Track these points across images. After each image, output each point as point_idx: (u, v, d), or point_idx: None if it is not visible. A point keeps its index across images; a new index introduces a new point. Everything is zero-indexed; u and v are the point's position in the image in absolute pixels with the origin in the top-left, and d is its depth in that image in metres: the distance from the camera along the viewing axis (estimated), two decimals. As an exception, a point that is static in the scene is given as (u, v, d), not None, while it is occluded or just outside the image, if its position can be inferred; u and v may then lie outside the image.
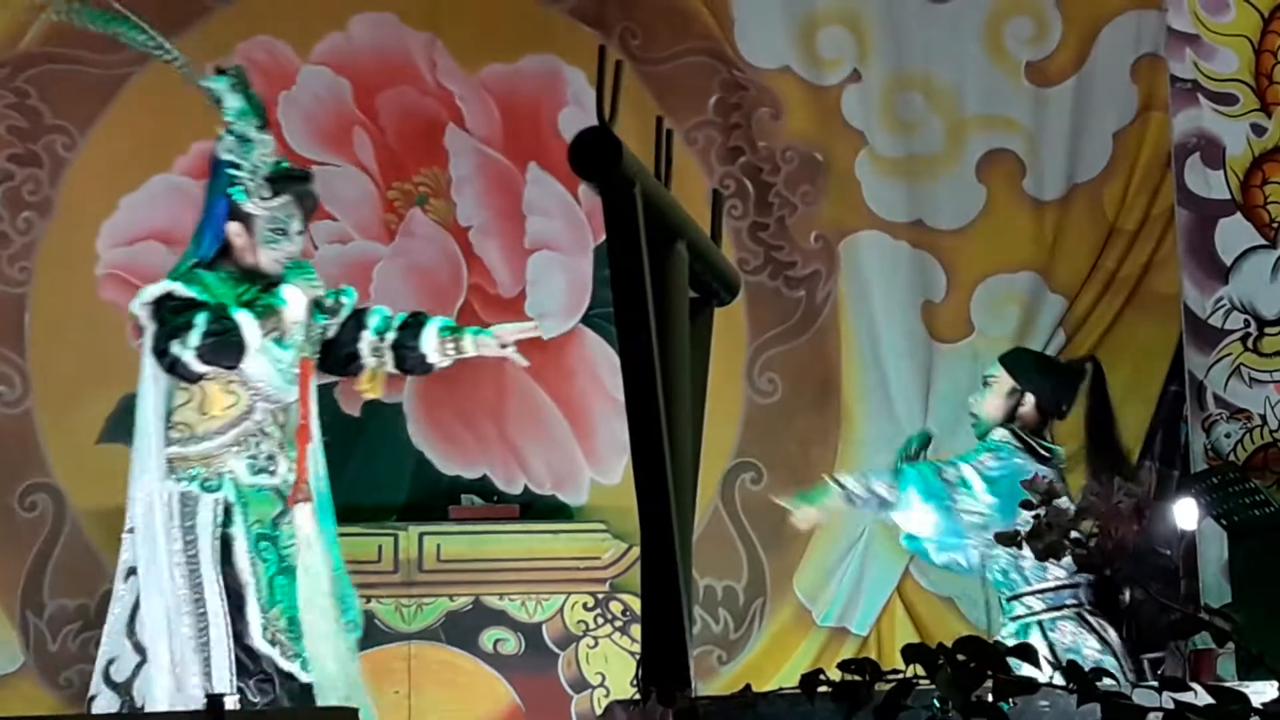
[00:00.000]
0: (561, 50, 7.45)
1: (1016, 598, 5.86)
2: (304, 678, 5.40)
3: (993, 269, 7.47)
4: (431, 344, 5.65)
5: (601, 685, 7.17)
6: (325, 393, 7.24)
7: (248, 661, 5.40)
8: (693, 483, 3.50)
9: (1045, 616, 5.79)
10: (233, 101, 5.56)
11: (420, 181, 7.44)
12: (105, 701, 5.48)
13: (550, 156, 7.35)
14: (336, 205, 7.33)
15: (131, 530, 5.53)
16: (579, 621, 7.20)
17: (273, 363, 5.50)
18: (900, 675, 2.14)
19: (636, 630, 6.84)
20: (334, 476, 7.25)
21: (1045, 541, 2.22)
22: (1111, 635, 5.70)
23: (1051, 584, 5.81)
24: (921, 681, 2.14)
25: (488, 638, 7.15)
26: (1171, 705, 2.10)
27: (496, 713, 7.15)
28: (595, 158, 3.14)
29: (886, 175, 7.49)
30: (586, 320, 7.42)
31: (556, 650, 7.19)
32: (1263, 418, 7.13)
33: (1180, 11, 7.25)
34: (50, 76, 7.35)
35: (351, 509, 7.23)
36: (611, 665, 7.17)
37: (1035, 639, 5.64)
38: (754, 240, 7.47)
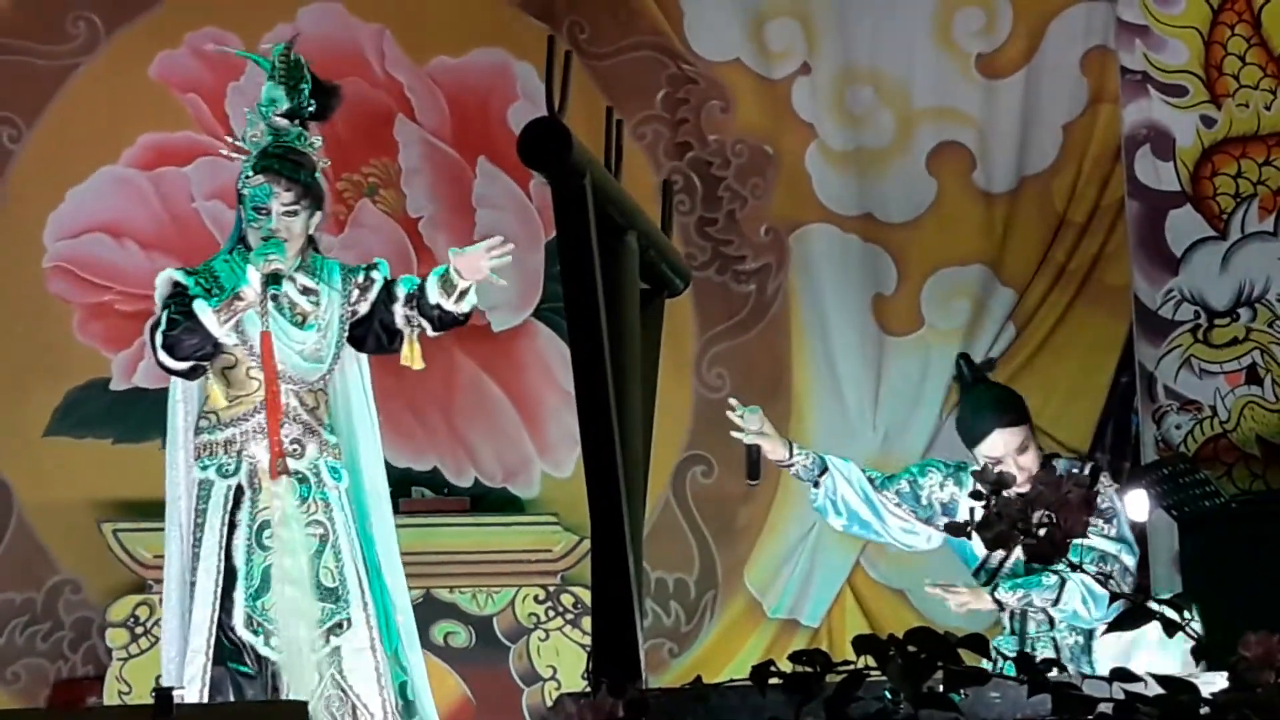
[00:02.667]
0: (510, 44, 7.43)
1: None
2: (285, 664, 5.38)
3: (943, 262, 7.47)
4: (435, 293, 5.56)
5: (553, 678, 7.16)
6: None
7: (231, 648, 5.39)
8: (643, 475, 3.50)
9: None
10: (271, 93, 5.59)
11: (370, 172, 7.42)
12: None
13: (500, 150, 7.33)
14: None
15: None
16: (530, 614, 7.19)
17: (290, 345, 5.48)
18: (851, 666, 2.13)
19: (588, 623, 6.83)
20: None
21: (994, 531, 2.21)
22: None
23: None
24: (873, 673, 2.14)
25: (438, 631, 7.14)
26: (1122, 696, 2.10)
27: (447, 706, 7.12)
28: (545, 147, 3.12)
29: (836, 168, 7.49)
30: (537, 314, 7.41)
31: (507, 643, 7.18)
32: (1213, 409, 7.16)
33: (1130, 3, 7.27)
34: (-4, 68, 7.30)
35: (301, 502, 7.23)
36: (563, 658, 7.16)
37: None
38: (701, 235, 7.47)
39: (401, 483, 7.26)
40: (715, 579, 7.37)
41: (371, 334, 5.64)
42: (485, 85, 7.46)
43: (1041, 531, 2.19)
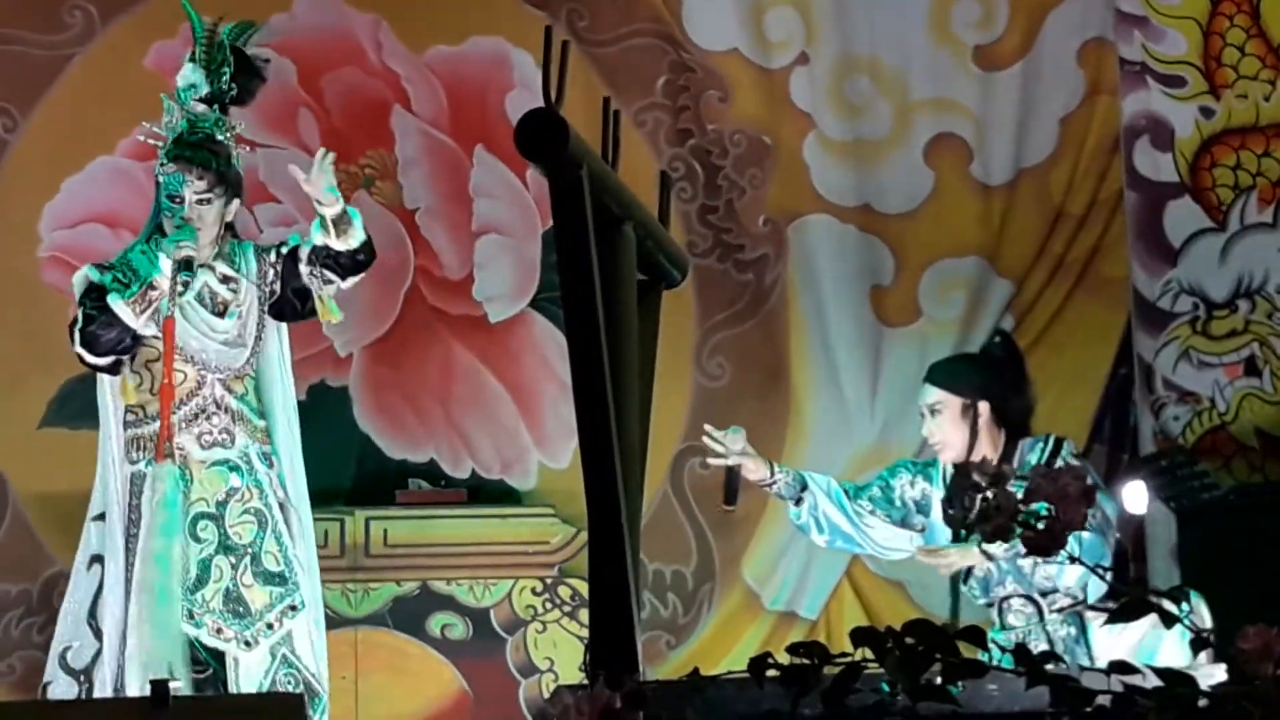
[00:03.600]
0: (508, 33, 7.42)
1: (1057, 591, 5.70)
2: (239, 654, 5.36)
3: (940, 253, 7.46)
4: (319, 235, 5.50)
5: (550, 670, 7.15)
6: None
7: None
8: (641, 467, 3.49)
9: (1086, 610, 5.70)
10: (191, 78, 5.56)
11: (366, 163, 7.41)
12: (61, 688, 5.46)
13: (497, 140, 7.32)
14: (281, 188, 7.29)
15: (100, 517, 5.51)
16: (527, 606, 7.18)
17: (212, 334, 5.46)
18: (849, 659, 2.13)
19: (585, 615, 6.82)
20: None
21: (993, 524, 2.20)
22: None
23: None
24: (870, 665, 2.13)
25: (435, 623, 7.13)
26: (1120, 688, 2.09)
27: (444, 698, 7.13)
28: (541, 139, 3.11)
29: (834, 159, 7.48)
30: (534, 304, 7.40)
31: (504, 635, 7.17)
32: (1211, 401, 7.16)
33: (1128, -6, 7.27)
34: (-11, 57, 7.29)
35: (297, 493, 7.22)
36: (560, 650, 7.15)
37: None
38: (703, 223, 7.46)
39: (398, 474, 7.27)
40: (713, 571, 7.37)
41: (286, 303, 5.59)
42: (483, 74, 7.45)
43: (1040, 524, 2.18)
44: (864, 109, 7.50)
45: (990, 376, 5.80)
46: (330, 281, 5.54)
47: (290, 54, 7.35)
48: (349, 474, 7.29)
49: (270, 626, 5.39)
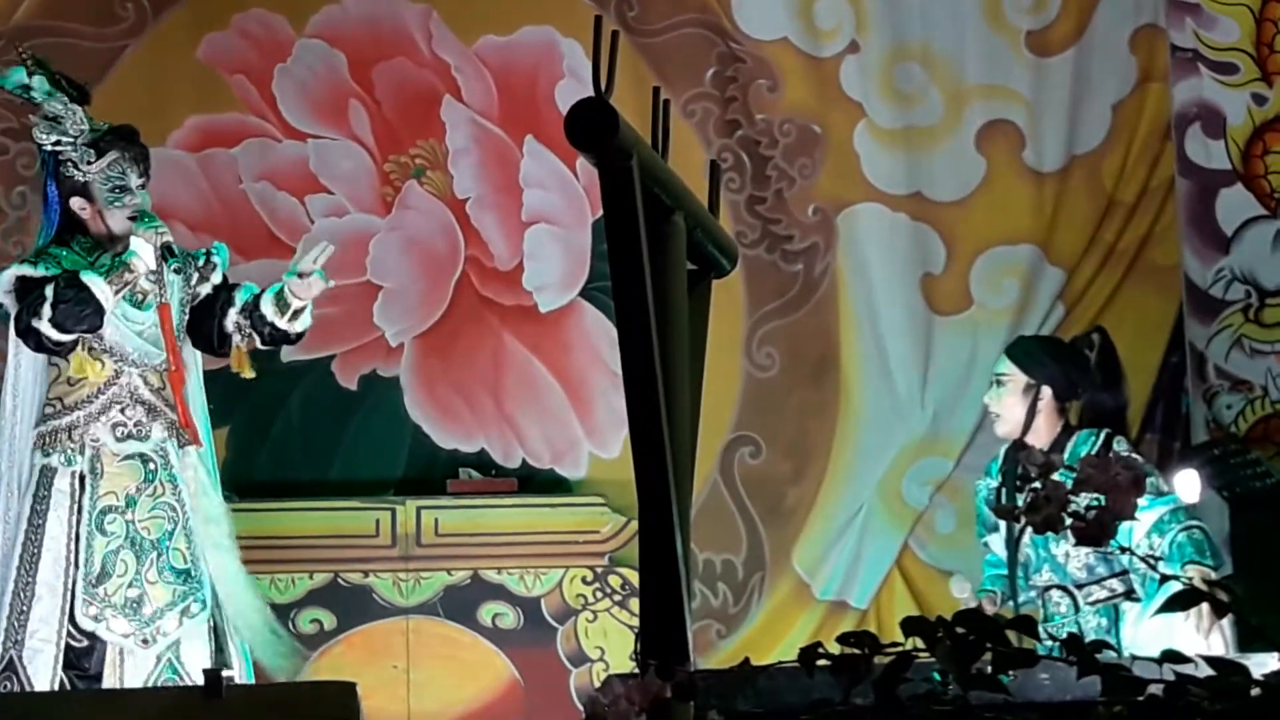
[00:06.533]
0: (557, 22, 7.42)
1: (1096, 582, 5.71)
2: (132, 650, 5.35)
3: (992, 241, 7.44)
4: (271, 310, 5.53)
5: (600, 659, 7.16)
6: (322, 366, 7.26)
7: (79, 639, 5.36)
8: (691, 456, 3.49)
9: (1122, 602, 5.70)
10: (40, 85, 5.57)
11: (417, 154, 7.42)
12: None
13: (547, 129, 7.33)
14: (333, 178, 7.33)
15: None
16: (578, 595, 7.19)
17: (129, 325, 5.47)
18: (899, 648, 2.12)
19: (635, 604, 6.80)
20: (331, 451, 7.29)
21: (1043, 515, 2.20)
22: None
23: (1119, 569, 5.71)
24: (921, 654, 2.13)
25: (486, 612, 7.15)
26: (1172, 677, 2.09)
27: (495, 687, 7.14)
28: (592, 128, 3.11)
29: (885, 147, 7.46)
30: (584, 293, 7.40)
31: (555, 624, 7.18)
32: (1264, 389, 7.13)
33: (1180, -19, 7.24)
34: (44, 50, 7.29)
35: (348, 483, 7.24)
36: (610, 639, 7.16)
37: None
38: (751, 214, 7.45)
39: (449, 464, 7.28)
40: (763, 560, 7.36)
41: (201, 334, 5.60)
42: (532, 64, 7.45)
43: (1090, 514, 2.17)
44: (915, 96, 7.48)
45: (1066, 367, 5.81)
46: (251, 340, 5.58)
47: (341, 45, 7.39)
48: (400, 464, 7.31)
49: (164, 631, 5.37)
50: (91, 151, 5.54)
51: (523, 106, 7.43)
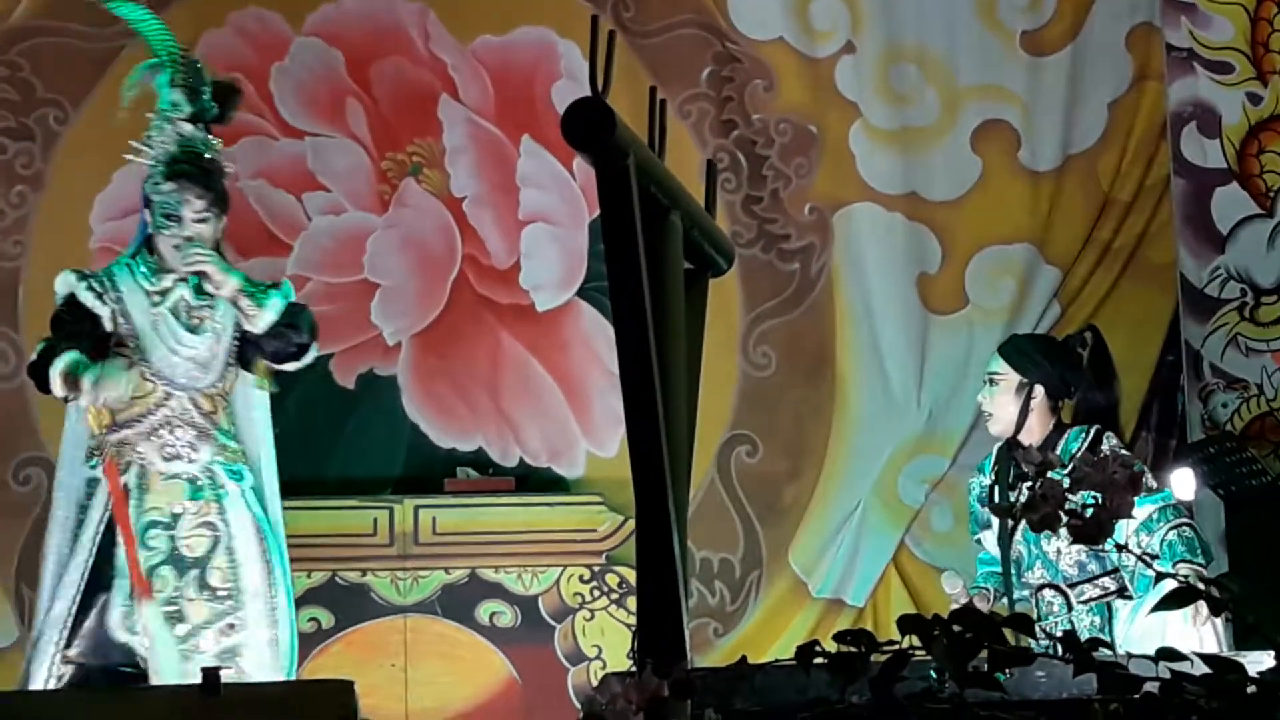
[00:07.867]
0: (554, 22, 7.43)
1: (1088, 580, 5.72)
2: (170, 666, 5.35)
3: (987, 241, 7.45)
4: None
5: (598, 658, 7.17)
6: (320, 365, 7.25)
7: (109, 649, 5.37)
8: (688, 455, 3.49)
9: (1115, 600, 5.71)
10: (172, 97, 5.56)
11: (414, 152, 7.43)
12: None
13: (544, 129, 7.33)
14: (329, 176, 7.33)
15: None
16: (575, 594, 7.20)
17: (181, 349, 5.49)
18: (896, 646, 2.13)
19: (633, 602, 6.84)
20: (328, 449, 7.29)
21: (1040, 513, 2.21)
22: None
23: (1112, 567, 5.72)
24: (917, 652, 2.13)
25: (484, 610, 7.15)
26: (1168, 675, 2.10)
27: (493, 685, 7.15)
28: (588, 128, 3.12)
29: (880, 147, 7.47)
30: (581, 293, 7.41)
31: (553, 623, 7.19)
32: (1259, 387, 7.14)
33: (1175, -21, 7.25)
34: (43, 49, 7.33)
35: (346, 482, 7.24)
36: (608, 637, 7.16)
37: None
38: (747, 213, 7.46)
39: (446, 463, 7.29)
40: (760, 559, 7.37)
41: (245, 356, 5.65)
42: (529, 63, 7.46)
43: (1087, 512, 2.18)
44: (910, 96, 7.48)
45: (1059, 366, 5.80)
46: (257, 354, 5.62)
47: (338, 44, 7.39)
48: (398, 462, 7.32)
49: (200, 647, 5.38)
50: (161, 173, 5.53)
51: (519, 106, 7.44)
